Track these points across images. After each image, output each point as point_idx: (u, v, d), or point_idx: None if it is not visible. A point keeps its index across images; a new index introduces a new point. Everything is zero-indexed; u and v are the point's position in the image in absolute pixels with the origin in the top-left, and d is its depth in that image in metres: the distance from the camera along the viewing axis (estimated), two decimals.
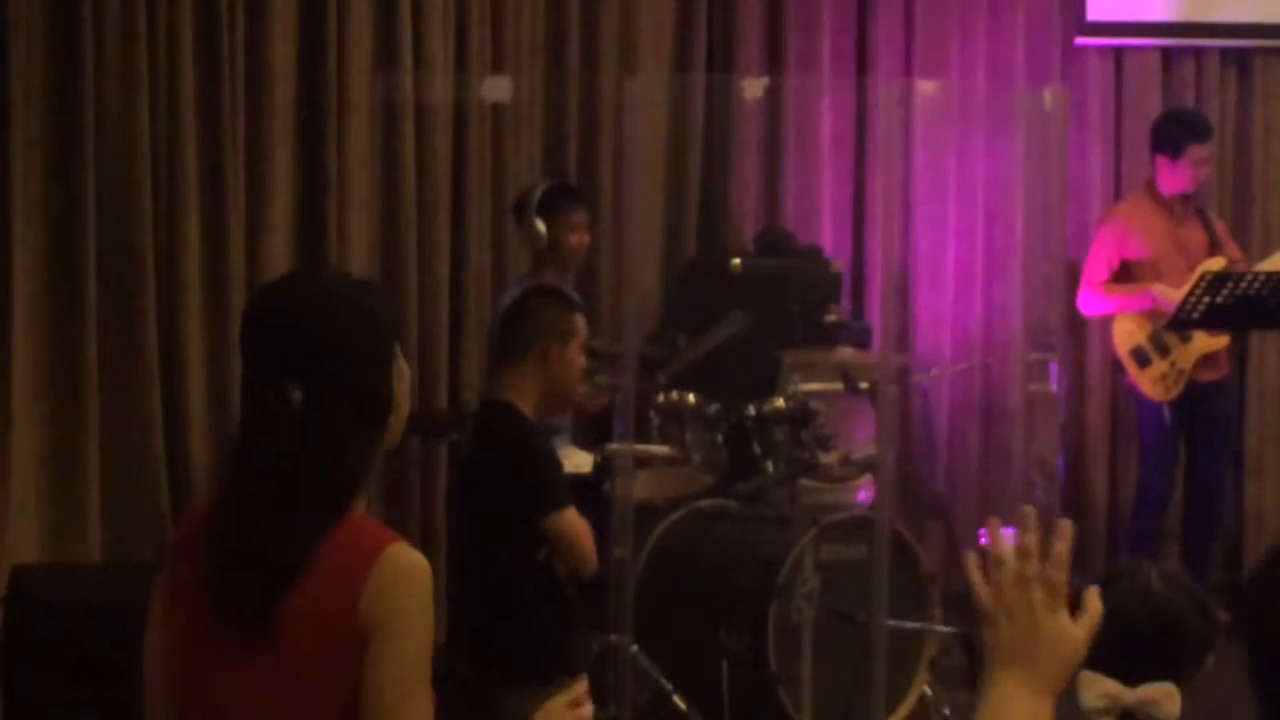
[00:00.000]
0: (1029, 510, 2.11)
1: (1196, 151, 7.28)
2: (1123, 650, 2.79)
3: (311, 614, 2.47)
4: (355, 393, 2.53)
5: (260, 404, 2.52)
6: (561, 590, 4.85)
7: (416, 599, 2.49)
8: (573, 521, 4.76)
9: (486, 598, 4.92)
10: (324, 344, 2.53)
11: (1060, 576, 2.10)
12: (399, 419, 2.61)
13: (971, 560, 2.12)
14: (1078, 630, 2.09)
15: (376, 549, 2.49)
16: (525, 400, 4.86)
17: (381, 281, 6.71)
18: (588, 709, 2.72)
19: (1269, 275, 6.83)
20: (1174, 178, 7.32)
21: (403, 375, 2.61)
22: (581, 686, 2.74)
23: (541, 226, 6.49)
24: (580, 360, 4.93)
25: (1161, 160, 7.35)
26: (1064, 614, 2.09)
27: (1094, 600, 2.12)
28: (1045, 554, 2.09)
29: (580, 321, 4.94)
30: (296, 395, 2.49)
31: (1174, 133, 7.33)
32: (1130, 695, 2.79)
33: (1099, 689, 2.78)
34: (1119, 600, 2.78)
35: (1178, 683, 2.83)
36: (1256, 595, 1.77)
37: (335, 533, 2.49)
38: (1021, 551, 2.10)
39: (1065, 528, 2.11)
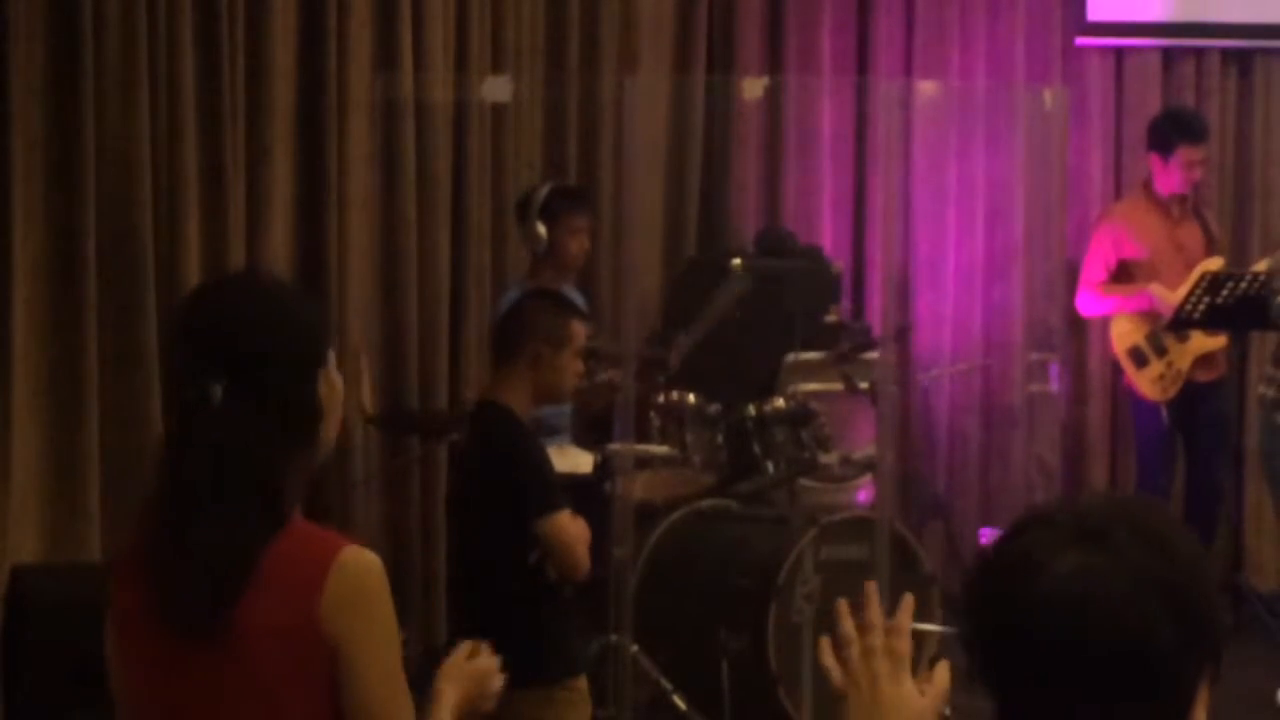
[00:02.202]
0: (871, 586, 2.23)
1: (1188, 153, 7.27)
2: None
3: (270, 627, 2.43)
4: (277, 396, 2.50)
5: (182, 402, 2.49)
6: (559, 591, 4.85)
7: (378, 603, 2.48)
8: (564, 525, 4.75)
9: (484, 598, 4.92)
10: (246, 345, 2.50)
11: (902, 646, 2.18)
12: (329, 428, 2.57)
13: (823, 645, 2.21)
14: (922, 699, 2.17)
15: (328, 556, 2.46)
16: (518, 402, 4.86)
17: (381, 281, 6.72)
18: (486, 660, 2.72)
19: (1269, 275, 6.83)
20: (1166, 178, 7.32)
21: (333, 385, 2.57)
22: (476, 644, 2.74)
23: (542, 229, 6.48)
24: (575, 365, 4.92)
25: (1154, 159, 7.36)
26: (908, 683, 2.17)
27: (941, 672, 2.20)
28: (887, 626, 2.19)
29: (576, 327, 4.93)
30: (216, 392, 2.46)
31: (1166, 132, 7.34)
32: None
33: None
34: None
35: None
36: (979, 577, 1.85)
37: (281, 541, 2.46)
38: (864, 626, 2.19)
39: (906, 601, 2.22)
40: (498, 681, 2.76)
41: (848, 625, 2.20)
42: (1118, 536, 1.77)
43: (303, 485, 2.57)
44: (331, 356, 2.59)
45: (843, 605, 2.23)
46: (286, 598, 2.44)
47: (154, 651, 2.52)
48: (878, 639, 2.18)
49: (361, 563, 2.47)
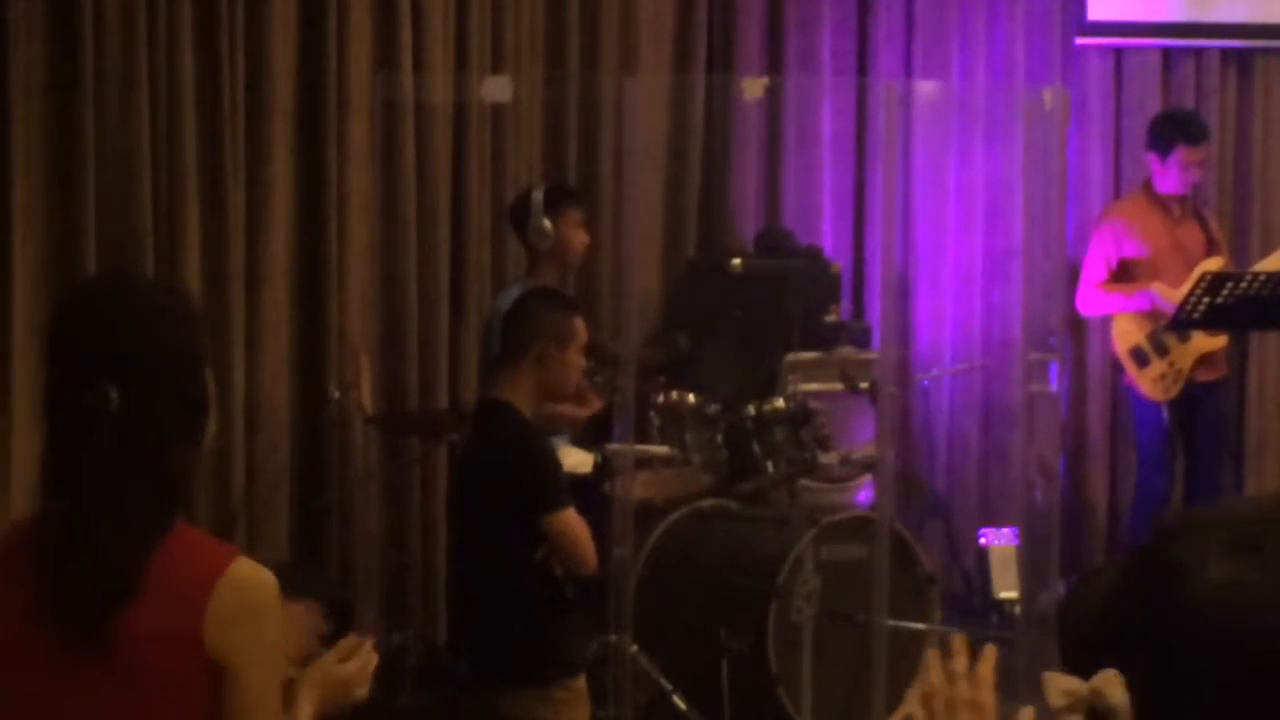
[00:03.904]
0: (959, 637, 2.23)
1: (1185, 154, 7.27)
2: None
3: (151, 634, 2.41)
4: (172, 393, 2.50)
5: (76, 407, 2.47)
6: (561, 590, 4.86)
7: (265, 620, 2.45)
8: (572, 521, 4.76)
9: (486, 598, 4.92)
10: (140, 345, 2.50)
11: (986, 698, 2.19)
12: (213, 421, 2.58)
13: (914, 696, 2.22)
14: None
15: (217, 568, 2.44)
16: (522, 400, 4.86)
17: (381, 281, 6.72)
18: (357, 663, 2.69)
19: (1269, 275, 6.83)
20: (1164, 178, 7.33)
21: (213, 376, 2.60)
22: (358, 640, 2.72)
23: (549, 226, 6.48)
24: (579, 362, 4.93)
25: (1153, 159, 7.36)
26: None
27: (1026, 716, 2.17)
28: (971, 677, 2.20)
29: (579, 324, 4.95)
30: (114, 395, 2.45)
31: (1165, 133, 7.34)
32: (1084, 687, 2.82)
33: (1060, 686, 2.80)
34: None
35: None
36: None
37: (168, 546, 2.44)
38: (949, 676, 2.20)
39: (989, 651, 2.22)
40: (361, 689, 2.73)
41: (936, 676, 2.20)
42: (1268, 548, 1.75)
43: (192, 485, 2.58)
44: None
45: (934, 656, 2.24)
46: (171, 607, 2.41)
47: (24, 648, 2.47)
48: (963, 691, 2.19)
49: (250, 577, 2.45)
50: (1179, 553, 1.78)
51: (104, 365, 2.47)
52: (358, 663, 2.71)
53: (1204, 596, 1.75)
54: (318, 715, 2.66)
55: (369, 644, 2.75)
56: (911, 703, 2.23)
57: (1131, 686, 1.81)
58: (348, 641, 2.74)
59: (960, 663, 2.20)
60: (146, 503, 2.44)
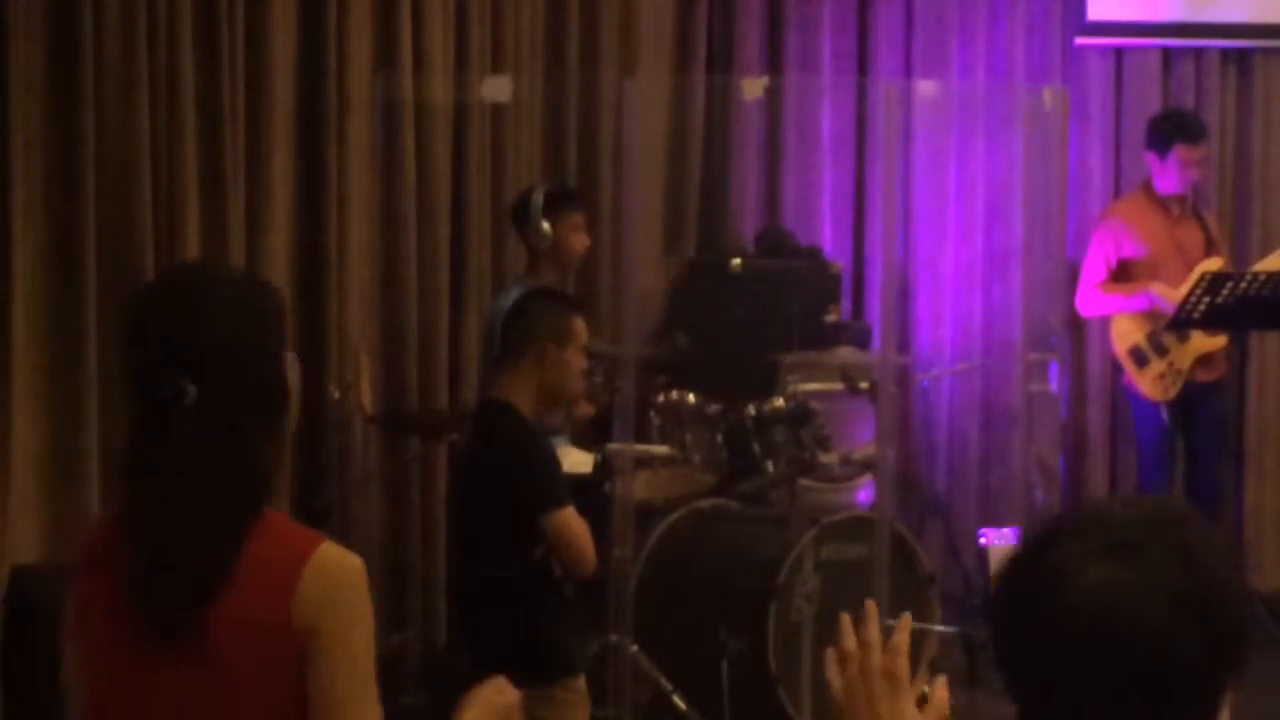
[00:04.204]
0: (871, 605, 2.25)
1: (1184, 153, 7.27)
2: None
3: (241, 621, 2.42)
4: (250, 384, 2.50)
5: (154, 400, 2.47)
6: (560, 590, 4.86)
7: (354, 602, 2.46)
8: (572, 520, 4.76)
9: (486, 597, 4.92)
10: (215, 337, 2.50)
11: (901, 667, 2.19)
12: (295, 407, 2.59)
13: (830, 658, 2.22)
14: (921, 719, 2.18)
15: (305, 552, 2.45)
16: (523, 400, 4.87)
17: (381, 281, 6.72)
18: (511, 694, 2.70)
19: (1269, 275, 6.83)
20: (1164, 177, 7.33)
21: (293, 365, 2.59)
22: (504, 682, 2.73)
23: (547, 228, 6.48)
24: (579, 362, 4.93)
25: (1152, 159, 7.37)
26: (908, 705, 2.18)
27: (940, 690, 2.21)
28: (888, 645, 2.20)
29: (580, 324, 4.95)
30: (191, 389, 2.46)
31: (1163, 132, 7.35)
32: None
33: None
34: None
35: None
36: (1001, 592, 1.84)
37: (255, 534, 2.45)
38: (864, 645, 2.20)
39: (905, 620, 2.23)
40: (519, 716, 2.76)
41: (850, 642, 2.21)
42: (1147, 550, 1.76)
43: (278, 474, 2.57)
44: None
45: (845, 621, 2.24)
46: (260, 593, 2.43)
47: (117, 643, 2.50)
48: (876, 659, 2.19)
49: (337, 560, 2.47)
50: (1057, 558, 1.78)
51: (179, 358, 2.47)
52: (515, 695, 2.71)
53: (1083, 600, 1.75)
54: None
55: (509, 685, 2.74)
56: (827, 665, 2.22)
57: (1018, 693, 1.81)
58: (501, 679, 2.73)
59: (873, 631, 2.20)
60: (228, 494, 2.45)
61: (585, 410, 6.29)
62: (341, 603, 2.45)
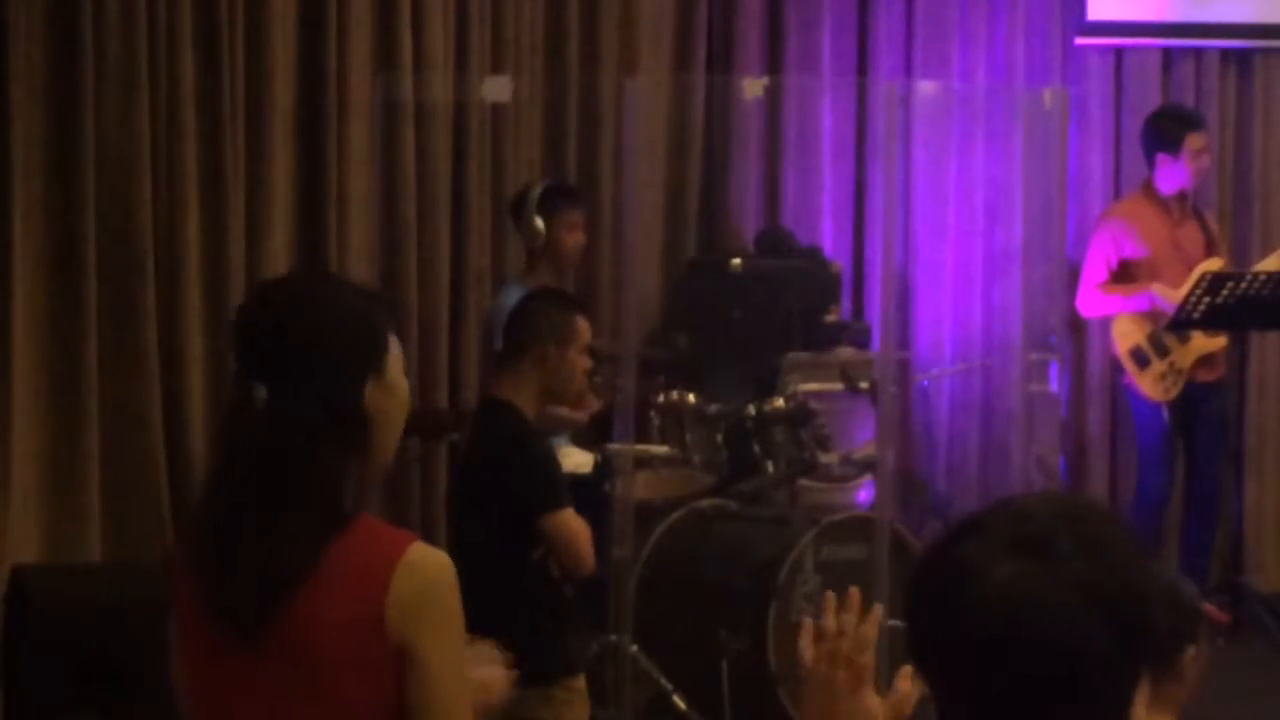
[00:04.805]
0: (829, 597, 2.25)
1: (1194, 141, 7.30)
2: None
3: (330, 621, 2.42)
4: (318, 400, 2.47)
5: (234, 402, 2.51)
6: (559, 590, 4.86)
7: (448, 602, 2.47)
8: (571, 522, 4.76)
9: (485, 597, 4.90)
10: (287, 348, 2.49)
11: (864, 659, 2.20)
12: (385, 436, 2.55)
13: (807, 628, 2.24)
14: (881, 710, 2.19)
15: (396, 552, 2.44)
16: (524, 400, 4.86)
17: (381, 281, 6.72)
18: (497, 669, 2.74)
19: (1269, 275, 6.83)
20: (1175, 173, 7.32)
21: (392, 392, 2.55)
22: (499, 647, 2.74)
23: (540, 225, 6.50)
24: (581, 363, 4.93)
25: (1162, 158, 7.35)
26: (868, 694, 2.19)
27: (904, 682, 2.20)
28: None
29: (582, 324, 4.95)
30: (261, 393, 2.46)
31: (1171, 128, 7.35)
32: None
33: None
34: None
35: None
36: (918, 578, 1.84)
37: (346, 537, 2.45)
38: (830, 632, 2.22)
39: (874, 611, 2.23)
40: (503, 693, 2.77)
41: (829, 621, 2.22)
42: (1056, 543, 1.76)
43: (364, 488, 2.56)
44: (393, 364, 2.55)
45: (829, 599, 2.25)
46: (350, 594, 2.43)
47: (208, 645, 2.50)
48: (842, 646, 2.20)
49: (430, 560, 2.47)
50: (965, 554, 1.78)
51: (255, 364, 2.49)
52: (499, 668, 2.75)
53: (990, 596, 1.75)
54: None
55: (507, 654, 2.78)
56: (803, 637, 2.23)
57: (933, 689, 1.82)
58: (487, 647, 2.77)
59: (850, 619, 2.21)
60: (299, 497, 2.44)
61: (592, 406, 6.28)
62: (435, 602, 2.45)
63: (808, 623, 2.23)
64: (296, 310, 2.54)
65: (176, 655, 2.58)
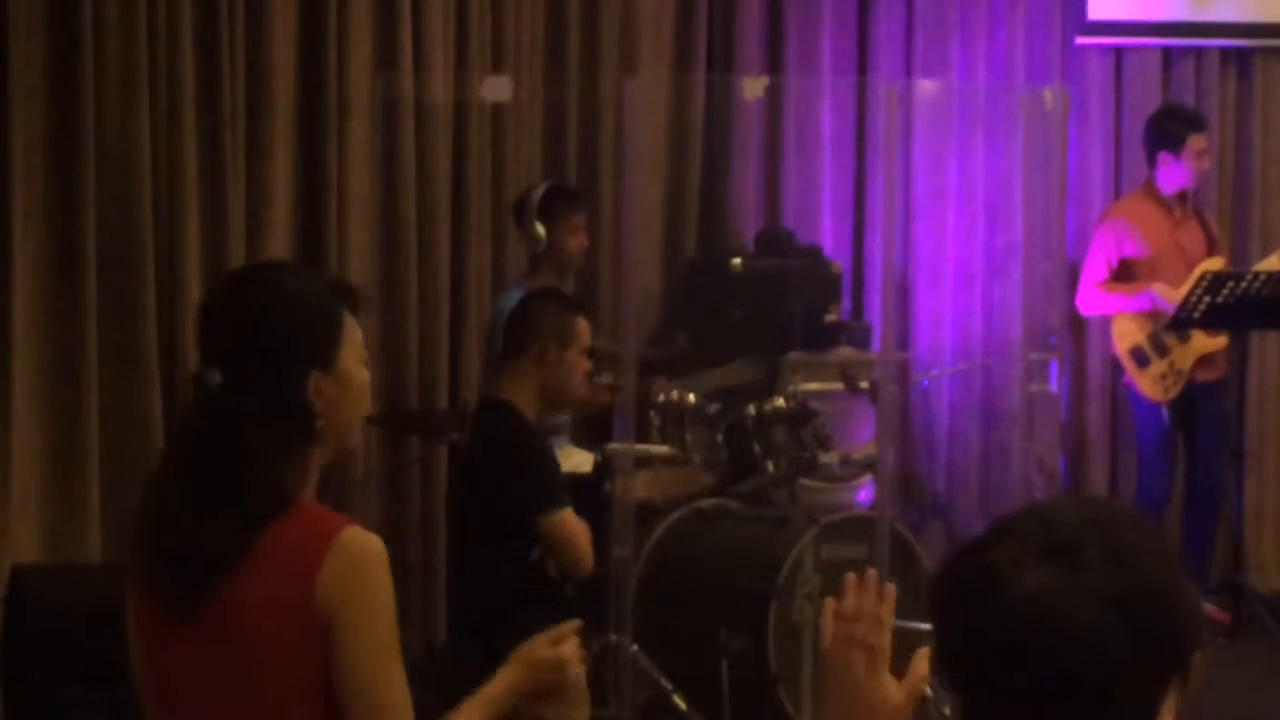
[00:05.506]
0: (850, 577, 2.28)
1: (1197, 142, 7.31)
2: None
3: (264, 601, 2.47)
4: (264, 388, 2.52)
5: (194, 388, 2.57)
6: (559, 589, 4.85)
7: (376, 582, 2.49)
8: (569, 522, 4.76)
9: (485, 597, 4.92)
10: (237, 336, 2.55)
11: (881, 640, 2.21)
12: (338, 425, 2.58)
13: (828, 607, 2.24)
14: (899, 693, 2.19)
15: (329, 535, 2.48)
16: (524, 400, 4.87)
17: (381, 281, 6.71)
18: (570, 646, 2.74)
19: (1269, 275, 6.83)
20: (1177, 173, 7.33)
21: (345, 381, 2.57)
22: (570, 626, 2.75)
23: (541, 229, 6.50)
24: (581, 363, 4.93)
25: (1164, 157, 7.36)
26: (885, 677, 2.20)
27: (920, 663, 2.21)
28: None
29: (582, 325, 4.95)
30: (214, 378, 2.52)
31: (1173, 127, 7.35)
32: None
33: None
34: None
35: None
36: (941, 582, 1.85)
37: (283, 521, 2.49)
38: (847, 614, 2.23)
39: (889, 593, 2.25)
40: (575, 671, 2.81)
41: (849, 601, 2.23)
42: (1085, 551, 1.76)
43: (309, 475, 2.58)
44: (348, 354, 2.58)
45: (850, 579, 2.28)
46: (283, 574, 2.47)
47: (153, 630, 2.55)
48: (859, 629, 2.21)
49: (360, 542, 2.50)
50: (997, 559, 1.78)
51: (210, 350, 2.56)
52: (571, 645, 2.80)
53: (1017, 603, 1.75)
54: (518, 691, 2.77)
55: (578, 632, 2.82)
56: (823, 616, 2.24)
57: (956, 689, 1.82)
58: (566, 627, 2.82)
59: (869, 600, 2.23)
60: (234, 484, 2.49)
61: (599, 398, 6.25)
62: (364, 584, 2.48)
63: (829, 601, 2.25)
64: (249, 298, 2.60)
65: (130, 639, 2.62)
